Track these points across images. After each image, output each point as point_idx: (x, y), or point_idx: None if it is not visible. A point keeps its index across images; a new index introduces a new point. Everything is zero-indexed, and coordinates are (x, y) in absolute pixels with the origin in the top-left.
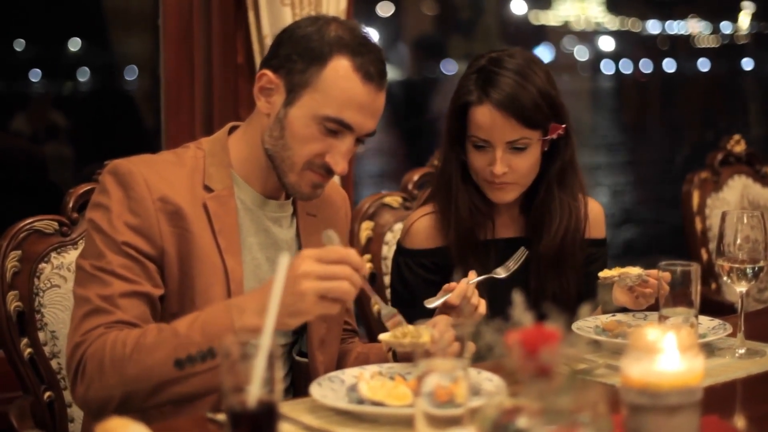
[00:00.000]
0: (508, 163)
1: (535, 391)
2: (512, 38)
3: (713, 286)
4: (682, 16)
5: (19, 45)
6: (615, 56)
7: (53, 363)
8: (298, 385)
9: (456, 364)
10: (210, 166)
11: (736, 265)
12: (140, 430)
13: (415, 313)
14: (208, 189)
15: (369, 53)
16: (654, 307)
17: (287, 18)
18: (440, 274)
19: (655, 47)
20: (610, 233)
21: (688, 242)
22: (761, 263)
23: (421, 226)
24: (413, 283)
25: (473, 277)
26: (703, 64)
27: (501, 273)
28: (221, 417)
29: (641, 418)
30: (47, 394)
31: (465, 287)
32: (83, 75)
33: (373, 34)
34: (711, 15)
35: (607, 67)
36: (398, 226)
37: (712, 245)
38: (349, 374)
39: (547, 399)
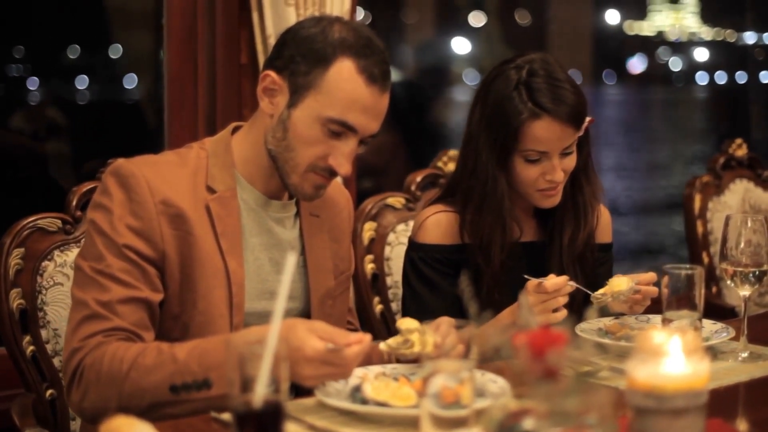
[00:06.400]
0: (561, 167)
1: (541, 393)
2: (605, 48)
3: (714, 289)
4: None
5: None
6: (710, 67)
7: (55, 361)
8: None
9: (462, 365)
10: (213, 166)
11: (740, 269)
12: (146, 428)
13: (433, 306)
14: (210, 190)
15: (373, 55)
16: (657, 310)
17: (291, 18)
18: (451, 270)
19: (751, 58)
20: None
21: (690, 246)
22: (764, 267)
23: (436, 222)
24: (431, 276)
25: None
26: None
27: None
28: (226, 416)
29: (647, 420)
30: (49, 391)
31: (564, 281)
32: (86, 73)
33: (463, 44)
34: None
35: (701, 78)
36: (401, 227)
37: (713, 249)
38: (353, 374)
39: (554, 401)
